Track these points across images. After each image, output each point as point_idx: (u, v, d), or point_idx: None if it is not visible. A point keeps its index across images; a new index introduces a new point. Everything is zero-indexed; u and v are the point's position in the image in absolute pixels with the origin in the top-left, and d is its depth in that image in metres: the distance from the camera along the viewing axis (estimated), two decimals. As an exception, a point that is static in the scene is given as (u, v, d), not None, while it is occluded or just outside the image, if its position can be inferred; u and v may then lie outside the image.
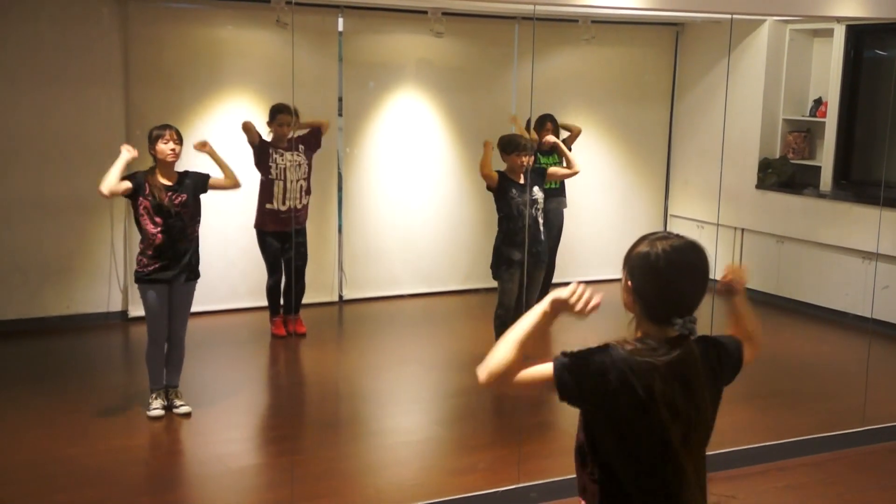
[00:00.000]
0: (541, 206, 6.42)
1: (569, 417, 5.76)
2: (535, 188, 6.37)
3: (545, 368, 2.27)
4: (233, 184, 5.79)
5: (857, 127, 8.45)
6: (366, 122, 8.33)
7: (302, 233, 7.24)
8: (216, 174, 5.75)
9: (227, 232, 7.65)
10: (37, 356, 6.85)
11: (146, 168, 5.55)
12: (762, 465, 5.17)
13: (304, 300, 7.42)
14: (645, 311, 2.31)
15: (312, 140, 7.20)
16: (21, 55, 7.08)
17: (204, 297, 7.71)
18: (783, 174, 8.74)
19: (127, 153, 5.45)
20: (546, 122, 7.82)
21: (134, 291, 7.52)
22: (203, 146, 5.75)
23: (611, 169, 9.39)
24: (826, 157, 8.54)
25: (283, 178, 7.00)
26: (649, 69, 9.56)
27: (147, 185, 5.42)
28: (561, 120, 8.06)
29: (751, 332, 2.62)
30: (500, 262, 6.33)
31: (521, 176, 6.34)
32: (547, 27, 8.65)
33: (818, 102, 8.70)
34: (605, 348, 2.27)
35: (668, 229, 9.79)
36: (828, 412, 5.96)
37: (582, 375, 2.25)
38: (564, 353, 2.28)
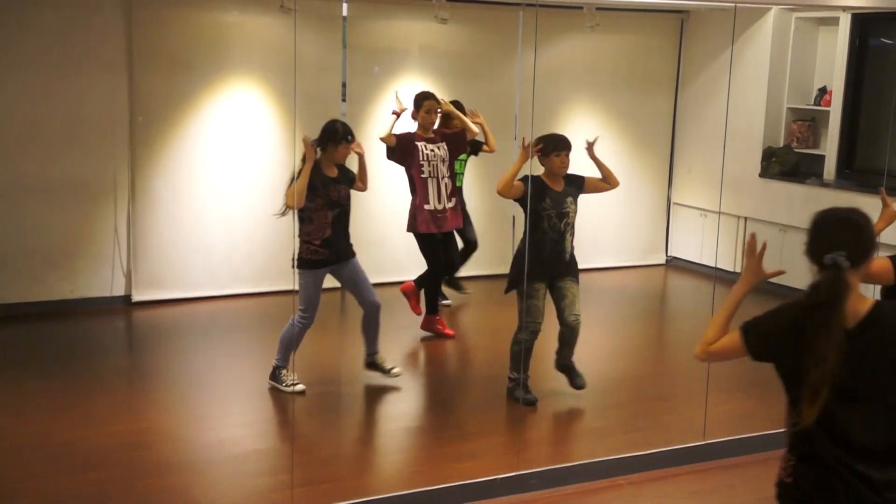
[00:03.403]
0: (572, 220, 5.56)
1: (569, 404, 5.78)
2: (570, 199, 5.52)
3: (734, 339, 2.74)
4: (363, 188, 5.97)
5: (861, 116, 8.43)
6: (370, 107, 8.30)
7: (452, 237, 7.11)
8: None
9: (231, 217, 7.68)
10: (40, 340, 6.88)
11: None
12: (763, 454, 5.17)
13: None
14: (809, 258, 2.63)
15: (458, 142, 6.89)
16: (25, 40, 7.07)
17: (206, 283, 7.77)
18: (787, 163, 8.72)
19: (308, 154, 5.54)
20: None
21: (137, 275, 7.57)
22: (359, 147, 5.87)
23: (614, 157, 9.27)
24: (830, 146, 8.52)
25: (435, 174, 6.72)
26: (654, 57, 9.53)
27: (317, 182, 5.58)
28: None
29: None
30: (520, 277, 5.35)
31: (562, 181, 5.50)
32: (551, 14, 8.62)
33: (823, 91, 8.67)
34: (786, 303, 2.67)
35: (670, 217, 9.80)
36: (828, 401, 5.96)
37: (762, 334, 2.69)
38: (746, 322, 2.73)
